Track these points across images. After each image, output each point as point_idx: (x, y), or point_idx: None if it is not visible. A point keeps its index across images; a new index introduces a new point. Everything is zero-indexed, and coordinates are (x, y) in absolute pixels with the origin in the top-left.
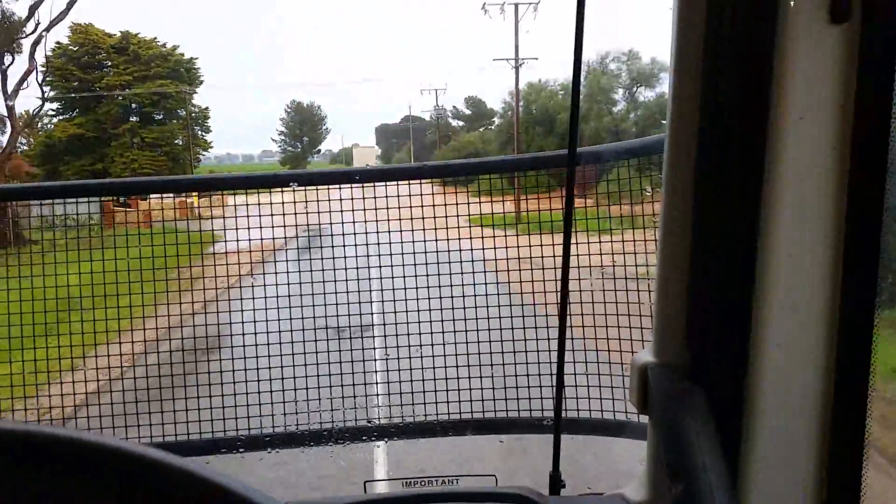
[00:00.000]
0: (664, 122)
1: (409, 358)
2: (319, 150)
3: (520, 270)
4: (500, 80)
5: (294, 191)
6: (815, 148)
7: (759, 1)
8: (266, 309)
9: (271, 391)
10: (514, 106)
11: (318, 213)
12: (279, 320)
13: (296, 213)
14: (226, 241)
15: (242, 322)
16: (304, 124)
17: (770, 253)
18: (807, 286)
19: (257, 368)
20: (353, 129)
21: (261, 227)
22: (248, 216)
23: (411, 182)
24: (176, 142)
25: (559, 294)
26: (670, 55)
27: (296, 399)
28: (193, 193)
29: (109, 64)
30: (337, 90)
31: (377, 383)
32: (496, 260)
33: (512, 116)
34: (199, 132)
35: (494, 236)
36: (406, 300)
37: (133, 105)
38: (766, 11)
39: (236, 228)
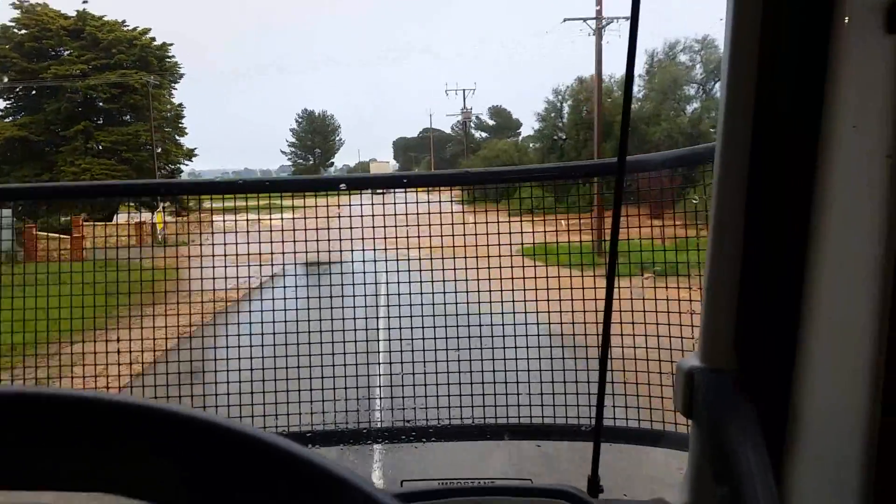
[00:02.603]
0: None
1: (447, 361)
2: (333, 164)
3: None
4: (546, 68)
5: (339, 194)
6: (868, 157)
7: (813, 11)
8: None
9: (311, 389)
10: (595, 90)
11: (318, 231)
12: (320, 320)
13: (293, 231)
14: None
15: (274, 322)
16: (315, 134)
17: (820, 262)
18: (857, 296)
19: (298, 367)
20: (369, 144)
21: (248, 243)
22: (230, 231)
23: (430, 199)
24: (148, 146)
25: (604, 302)
26: (722, 65)
27: (334, 398)
28: (159, 212)
29: (62, 50)
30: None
31: (414, 385)
32: (578, 323)
33: (556, 119)
34: (175, 135)
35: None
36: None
37: (97, 101)
38: (820, 21)
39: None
